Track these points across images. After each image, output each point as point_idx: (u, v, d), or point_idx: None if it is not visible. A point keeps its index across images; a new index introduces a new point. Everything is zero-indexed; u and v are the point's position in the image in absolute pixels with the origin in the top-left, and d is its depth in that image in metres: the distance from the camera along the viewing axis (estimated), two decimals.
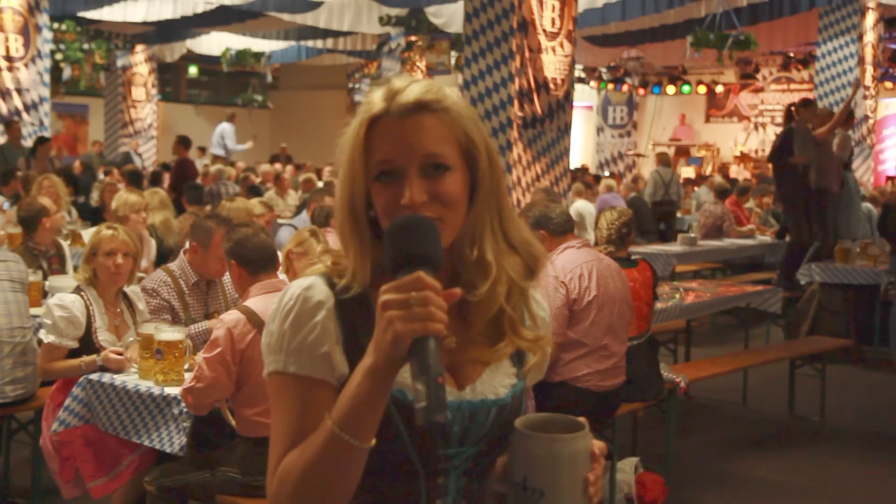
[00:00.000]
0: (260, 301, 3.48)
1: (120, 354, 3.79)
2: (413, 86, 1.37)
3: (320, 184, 11.82)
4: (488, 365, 1.43)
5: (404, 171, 1.34)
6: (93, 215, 9.21)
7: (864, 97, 13.40)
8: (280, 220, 8.71)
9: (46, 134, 12.89)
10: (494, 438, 1.41)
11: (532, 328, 1.48)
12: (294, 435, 1.32)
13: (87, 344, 3.90)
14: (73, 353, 3.89)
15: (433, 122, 1.36)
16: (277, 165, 15.43)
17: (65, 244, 5.88)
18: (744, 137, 20.53)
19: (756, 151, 19.92)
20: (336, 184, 1.44)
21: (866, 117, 13.64)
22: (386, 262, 1.26)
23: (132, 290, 4.16)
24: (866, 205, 9.96)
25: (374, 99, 1.38)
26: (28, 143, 11.97)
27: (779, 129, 16.00)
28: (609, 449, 1.63)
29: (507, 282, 1.42)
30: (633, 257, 4.98)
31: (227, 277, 4.52)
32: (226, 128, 17.11)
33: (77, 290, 3.98)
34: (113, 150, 18.60)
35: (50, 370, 3.91)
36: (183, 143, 12.62)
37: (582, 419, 1.39)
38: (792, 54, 18.86)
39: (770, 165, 10.16)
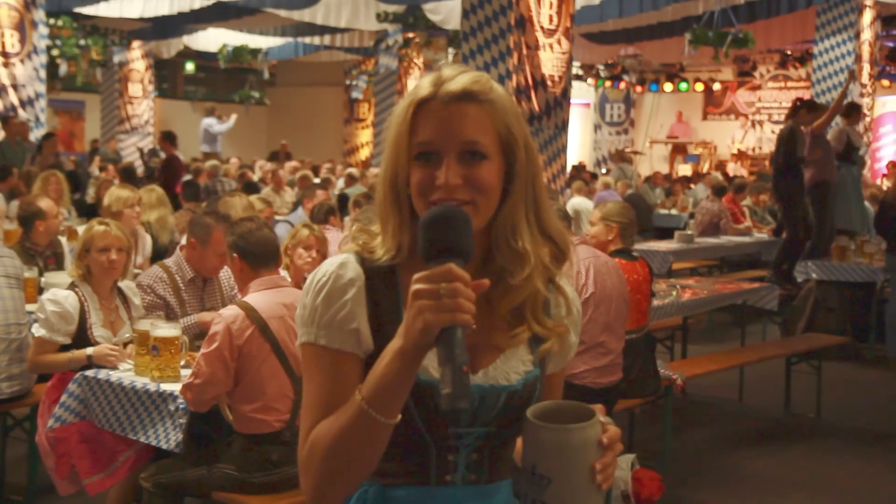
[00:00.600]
0: (259, 297, 3.48)
1: (116, 347, 3.79)
2: (462, 75, 1.45)
3: (317, 180, 11.82)
4: (503, 351, 1.48)
5: (443, 153, 1.41)
6: (89, 212, 9.19)
7: (861, 95, 13.40)
8: (277, 217, 8.70)
9: (42, 130, 12.86)
10: (505, 421, 1.47)
11: (564, 315, 1.55)
12: (325, 404, 1.41)
13: (83, 340, 3.89)
14: (66, 349, 3.89)
15: (476, 112, 1.42)
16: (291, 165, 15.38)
17: (63, 241, 5.86)
18: (741, 135, 20.53)
19: (753, 149, 19.92)
20: (381, 161, 1.51)
21: (863, 115, 13.64)
22: (419, 251, 1.32)
23: (127, 284, 4.14)
24: (864, 202, 9.96)
25: (422, 84, 1.45)
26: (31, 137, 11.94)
27: (776, 127, 16.05)
28: None
29: (543, 270, 1.49)
30: (633, 253, 4.99)
31: (223, 274, 4.51)
32: (207, 121, 17.08)
33: (72, 286, 3.97)
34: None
35: (38, 363, 3.91)
36: (169, 139, 12.55)
37: (597, 406, 1.42)
38: (789, 52, 18.88)
39: (767, 163, 10.15)
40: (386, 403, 1.33)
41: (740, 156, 19.75)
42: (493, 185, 1.43)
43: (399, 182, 1.44)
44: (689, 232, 9.62)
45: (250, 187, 10.21)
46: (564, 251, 1.52)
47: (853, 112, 9.62)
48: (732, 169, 18.86)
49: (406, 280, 1.39)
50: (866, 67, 13.59)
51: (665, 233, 11.39)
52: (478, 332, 1.37)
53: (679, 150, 20.99)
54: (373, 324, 1.44)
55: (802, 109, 8.99)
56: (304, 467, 1.41)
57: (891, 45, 17.04)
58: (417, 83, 1.47)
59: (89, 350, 3.80)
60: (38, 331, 3.88)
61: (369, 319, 1.44)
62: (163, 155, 13.18)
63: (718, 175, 15.01)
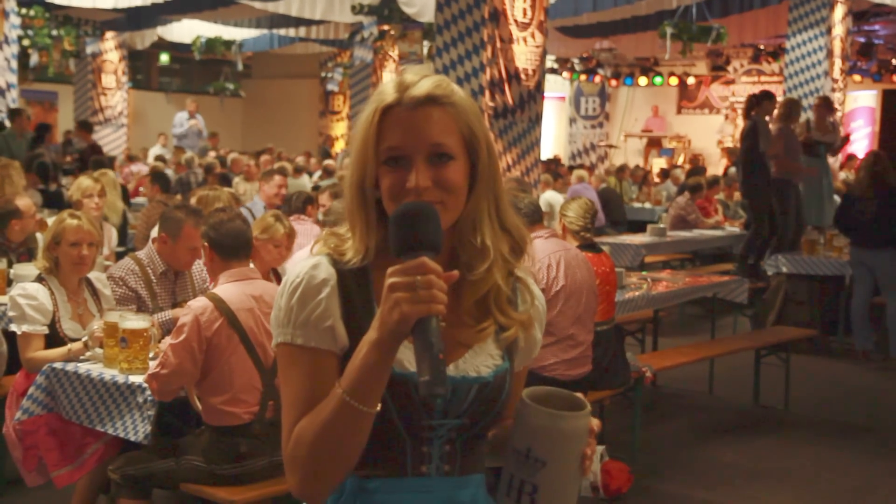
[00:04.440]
0: (229, 288, 3.48)
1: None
2: (424, 80, 1.50)
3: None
4: (471, 347, 1.55)
5: (412, 157, 1.47)
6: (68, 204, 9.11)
7: (833, 90, 13.52)
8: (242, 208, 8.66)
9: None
10: (477, 413, 1.53)
11: (529, 307, 1.62)
12: (305, 401, 1.46)
13: (52, 333, 3.86)
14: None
15: (440, 115, 1.49)
16: (267, 159, 15.30)
17: (39, 237, 5.79)
18: (731, 129, 20.40)
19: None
20: (347, 165, 1.59)
21: (835, 109, 13.76)
22: (391, 245, 1.38)
23: (97, 276, 4.12)
24: (833, 196, 10.07)
25: (386, 90, 1.51)
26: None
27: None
28: None
29: (503, 264, 1.56)
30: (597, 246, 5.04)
31: (195, 267, 4.50)
32: (180, 115, 17.04)
33: (39, 279, 3.95)
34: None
35: (34, 359, 3.81)
36: (85, 127, 12.52)
37: (580, 396, 1.57)
38: (762, 47, 18.97)
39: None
40: (365, 393, 1.39)
41: (727, 151, 19.63)
42: (460, 184, 1.49)
43: (367, 186, 1.50)
44: (662, 225, 9.69)
45: (224, 179, 10.15)
46: (521, 243, 1.59)
47: (822, 105, 9.70)
48: (720, 164, 18.78)
49: (377, 278, 1.47)
50: (838, 63, 13.71)
51: (638, 226, 11.47)
52: (444, 329, 1.41)
53: (654, 144, 21.07)
54: (347, 321, 1.50)
55: (765, 101, 9.06)
56: (290, 463, 1.46)
57: (862, 40, 17.19)
58: (380, 89, 1.52)
59: (84, 338, 3.77)
60: (19, 328, 3.82)
61: (343, 317, 1.50)
62: (78, 144, 13.08)
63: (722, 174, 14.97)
